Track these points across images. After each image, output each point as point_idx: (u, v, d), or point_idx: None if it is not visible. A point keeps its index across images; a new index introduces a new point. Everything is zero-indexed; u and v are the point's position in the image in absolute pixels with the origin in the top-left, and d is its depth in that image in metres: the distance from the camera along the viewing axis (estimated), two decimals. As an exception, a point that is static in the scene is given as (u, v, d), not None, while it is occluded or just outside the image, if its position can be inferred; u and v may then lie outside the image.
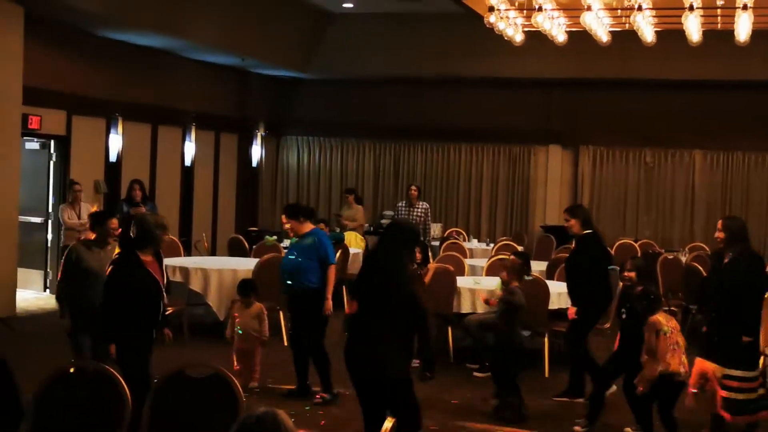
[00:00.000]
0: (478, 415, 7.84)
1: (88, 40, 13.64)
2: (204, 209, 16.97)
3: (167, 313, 6.80)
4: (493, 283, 9.56)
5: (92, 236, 7.53)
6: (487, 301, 9.03)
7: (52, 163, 13.70)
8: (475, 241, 15.99)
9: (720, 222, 7.11)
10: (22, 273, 12.50)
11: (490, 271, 11.02)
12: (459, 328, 9.80)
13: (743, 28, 10.32)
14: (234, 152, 17.94)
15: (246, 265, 11.04)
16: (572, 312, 8.32)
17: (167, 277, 6.90)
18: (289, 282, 8.20)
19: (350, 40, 16.86)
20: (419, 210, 13.70)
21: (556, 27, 11.29)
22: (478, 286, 9.91)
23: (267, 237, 13.03)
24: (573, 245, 8.74)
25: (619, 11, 10.98)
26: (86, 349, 7.16)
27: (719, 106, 16.27)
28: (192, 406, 4.74)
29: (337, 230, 14.21)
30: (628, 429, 7.33)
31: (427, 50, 16.47)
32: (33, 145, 13.66)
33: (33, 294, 13.33)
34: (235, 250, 13.41)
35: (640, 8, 10.28)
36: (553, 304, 9.46)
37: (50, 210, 13.59)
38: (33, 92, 12.26)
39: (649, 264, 9.48)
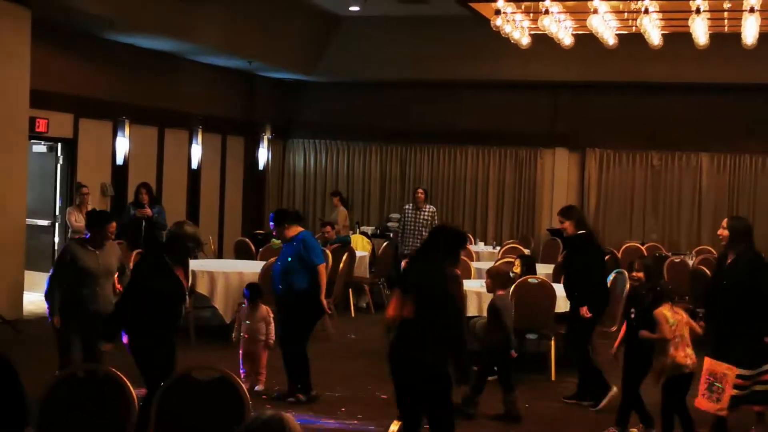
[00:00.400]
0: (482, 417, 7.83)
1: (95, 43, 13.67)
2: (210, 212, 16.99)
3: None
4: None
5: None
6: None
7: (59, 165, 13.73)
8: (481, 244, 15.99)
9: (725, 221, 7.12)
10: (29, 276, 12.51)
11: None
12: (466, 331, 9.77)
13: (750, 31, 10.31)
14: (240, 155, 17.96)
15: (252, 268, 11.06)
16: (584, 311, 8.28)
17: (191, 281, 6.90)
18: (279, 286, 8.29)
19: (356, 43, 16.88)
20: (426, 213, 13.68)
21: (562, 30, 11.28)
22: (484, 289, 9.87)
23: (273, 240, 13.00)
24: (566, 246, 8.67)
25: (625, 14, 10.98)
26: (75, 349, 7.06)
27: (726, 108, 16.25)
28: (198, 409, 4.74)
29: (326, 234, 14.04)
30: (634, 429, 7.31)
31: (433, 53, 16.47)
32: (40, 148, 13.69)
33: (40, 296, 13.24)
34: (242, 253, 13.43)
35: (646, 11, 10.27)
36: (560, 308, 9.43)
37: (57, 213, 13.62)
38: (40, 95, 12.28)
39: (657, 263, 9.45)
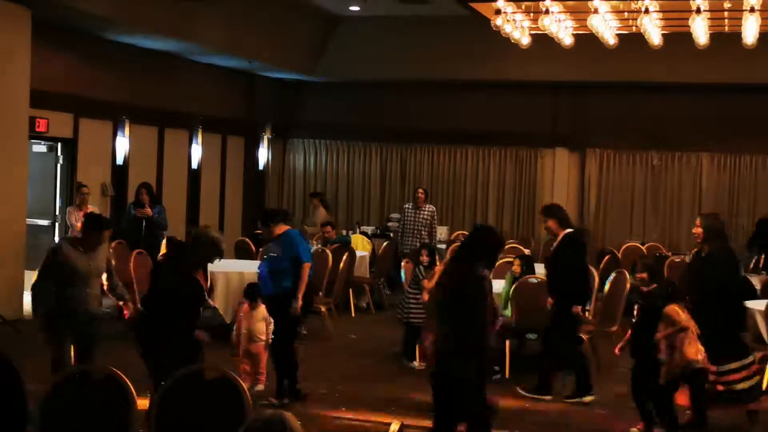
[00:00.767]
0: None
1: (95, 43, 13.67)
2: (211, 212, 16.98)
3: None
4: (499, 286, 9.56)
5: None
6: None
7: (59, 165, 13.73)
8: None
9: (698, 219, 7.19)
10: (29, 276, 12.44)
11: (497, 274, 10.98)
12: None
13: (750, 30, 10.31)
14: (241, 155, 17.95)
15: (252, 267, 11.00)
16: (550, 301, 8.37)
17: (209, 282, 6.96)
18: (266, 285, 8.33)
19: (356, 43, 16.87)
20: (426, 213, 13.70)
21: (562, 30, 11.28)
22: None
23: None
24: (555, 244, 8.64)
25: (625, 14, 10.98)
26: (67, 350, 6.99)
27: (726, 108, 16.23)
28: (199, 409, 4.74)
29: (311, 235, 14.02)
30: (634, 429, 7.31)
31: (433, 53, 16.45)
32: (40, 147, 13.68)
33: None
34: (242, 252, 13.43)
35: (646, 11, 10.27)
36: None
37: (57, 212, 13.62)
38: (40, 95, 12.28)
39: (657, 263, 9.49)
